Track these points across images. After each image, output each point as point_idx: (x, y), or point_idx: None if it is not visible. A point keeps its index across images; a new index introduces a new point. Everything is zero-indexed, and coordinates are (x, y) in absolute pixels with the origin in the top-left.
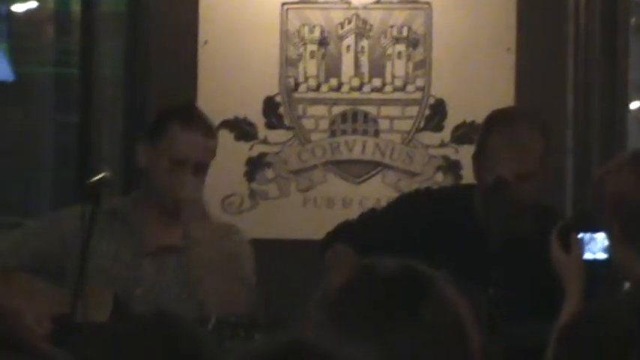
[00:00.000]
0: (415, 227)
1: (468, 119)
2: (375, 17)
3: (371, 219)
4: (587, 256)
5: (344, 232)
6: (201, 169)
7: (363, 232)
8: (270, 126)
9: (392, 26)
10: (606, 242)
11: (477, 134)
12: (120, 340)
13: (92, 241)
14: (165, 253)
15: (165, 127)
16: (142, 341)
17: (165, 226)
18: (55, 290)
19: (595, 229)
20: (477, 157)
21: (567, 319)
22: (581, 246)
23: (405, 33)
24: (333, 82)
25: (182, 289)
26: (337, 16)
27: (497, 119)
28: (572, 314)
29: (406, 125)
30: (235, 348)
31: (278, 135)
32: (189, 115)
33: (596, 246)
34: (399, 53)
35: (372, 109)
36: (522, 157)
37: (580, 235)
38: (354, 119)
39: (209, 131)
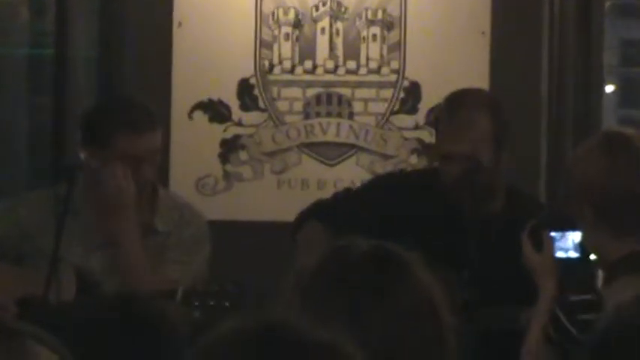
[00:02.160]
0: (387, 209)
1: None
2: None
3: (344, 199)
4: (560, 254)
5: (316, 211)
6: (154, 155)
7: (335, 212)
8: (244, 108)
9: (367, 8)
10: (578, 240)
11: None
12: (87, 320)
13: (47, 226)
14: (116, 246)
15: (110, 137)
16: (107, 319)
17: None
18: (17, 272)
19: (567, 228)
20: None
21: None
22: (552, 244)
23: (379, 15)
24: (308, 64)
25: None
26: None
27: (447, 101)
28: (548, 310)
29: (381, 108)
30: (205, 317)
31: (252, 117)
32: (131, 118)
33: (568, 244)
34: (374, 36)
35: (346, 92)
36: (467, 137)
37: (552, 234)
38: (329, 101)
39: (153, 123)
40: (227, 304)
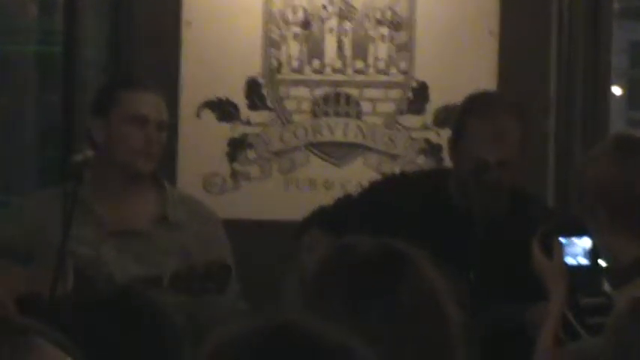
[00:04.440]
0: (391, 211)
1: (451, 103)
2: (359, 0)
3: (347, 204)
4: (569, 260)
5: (320, 217)
6: (163, 127)
7: (339, 217)
8: (252, 107)
9: (375, 9)
10: (588, 247)
11: (454, 117)
12: (82, 315)
13: (56, 223)
14: (129, 235)
15: (118, 95)
16: (103, 315)
17: (130, 204)
18: (19, 270)
19: (576, 234)
20: (454, 141)
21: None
22: (562, 250)
23: (388, 16)
24: (316, 63)
25: (146, 272)
26: None
27: (476, 104)
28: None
29: (388, 108)
30: (191, 301)
31: (260, 116)
32: (137, 80)
33: (578, 250)
34: (382, 36)
35: (354, 92)
36: (502, 143)
37: (562, 240)
38: (337, 101)
39: (158, 90)
40: (213, 286)
